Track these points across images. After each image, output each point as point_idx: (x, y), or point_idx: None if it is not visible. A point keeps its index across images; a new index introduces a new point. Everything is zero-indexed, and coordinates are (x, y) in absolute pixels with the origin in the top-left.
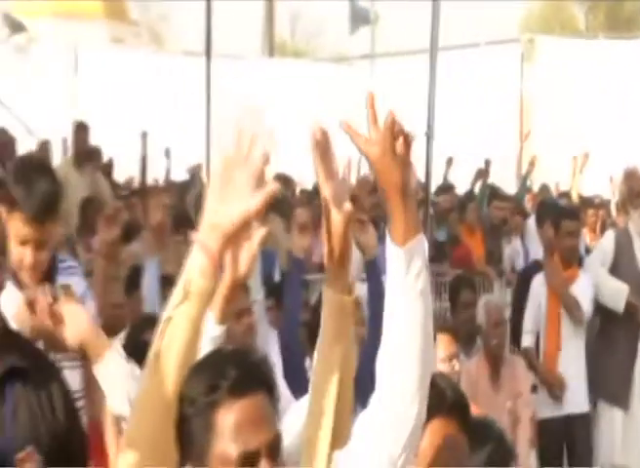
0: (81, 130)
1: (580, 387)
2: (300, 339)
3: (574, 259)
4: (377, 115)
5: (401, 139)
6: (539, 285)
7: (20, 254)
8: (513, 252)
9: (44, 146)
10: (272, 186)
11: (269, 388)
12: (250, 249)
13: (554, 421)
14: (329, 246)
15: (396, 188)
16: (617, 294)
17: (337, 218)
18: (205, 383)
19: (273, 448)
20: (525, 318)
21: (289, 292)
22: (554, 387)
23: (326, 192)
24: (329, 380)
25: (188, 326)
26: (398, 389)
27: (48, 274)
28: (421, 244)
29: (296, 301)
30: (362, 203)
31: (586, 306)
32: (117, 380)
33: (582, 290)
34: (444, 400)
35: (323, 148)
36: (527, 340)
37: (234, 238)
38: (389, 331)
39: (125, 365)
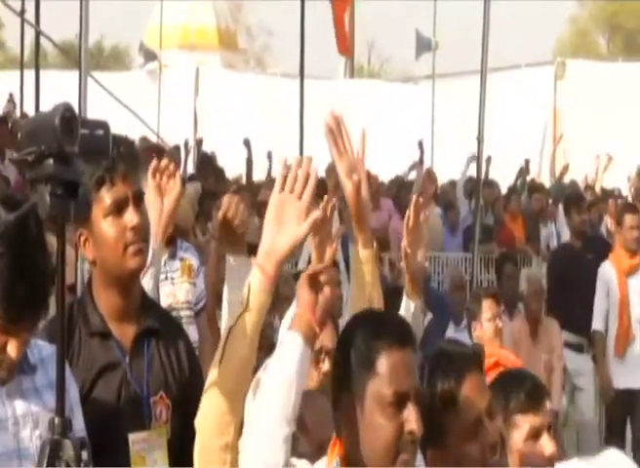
0: (200, 143)
1: None
2: None
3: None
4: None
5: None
6: (606, 270)
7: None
8: (548, 234)
9: (175, 151)
10: (315, 215)
11: (414, 347)
12: (331, 250)
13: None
14: (350, 210)
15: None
16: None
17: (348, 186)
18: (370, 330)
19: (418, 395)
20: (595, 302)
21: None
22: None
23: (338, 165)
24: None
25: (249, 332)
26: None
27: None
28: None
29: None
30: (429, 192)
31: None
32: None
33: None
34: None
35: (336, 132)
36: (597, 323)
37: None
38: None
39: None
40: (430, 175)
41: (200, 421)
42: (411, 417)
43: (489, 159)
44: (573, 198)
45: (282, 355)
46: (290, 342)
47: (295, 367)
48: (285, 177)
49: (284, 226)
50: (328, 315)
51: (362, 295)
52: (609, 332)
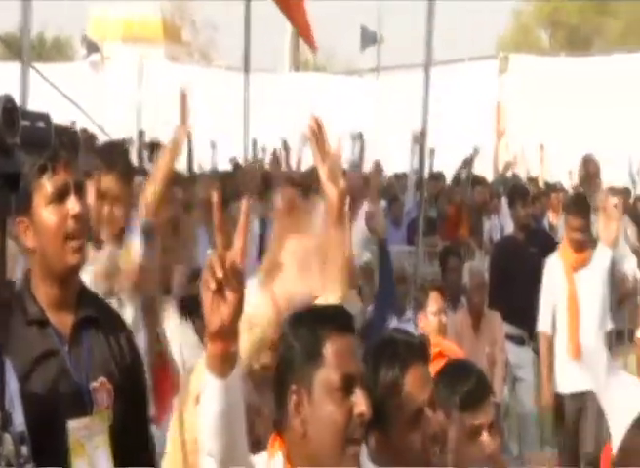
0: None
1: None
2: None
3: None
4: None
5: None
6: (553, 264)
7: (105, 211)
8: (491, 227)
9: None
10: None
11: (355, 333)
12: None
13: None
14: (328, 215)
15: None
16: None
17: (331, 192)
18: (313, 320)
19: (363, 380)
20: (541, 298)
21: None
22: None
23: (322, 172)
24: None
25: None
26: None
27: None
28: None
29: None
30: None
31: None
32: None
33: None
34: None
35: (318, 136)
36: (543, 323)
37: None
38: None
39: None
40: (376, 168)
41: None
42: (359, 400)
43: (432, 151)
44: (518, 191)
45: (205, 402)
46: (208, 387)
47: (216, 421)
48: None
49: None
50: (236, 327)
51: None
52: (558, 331)
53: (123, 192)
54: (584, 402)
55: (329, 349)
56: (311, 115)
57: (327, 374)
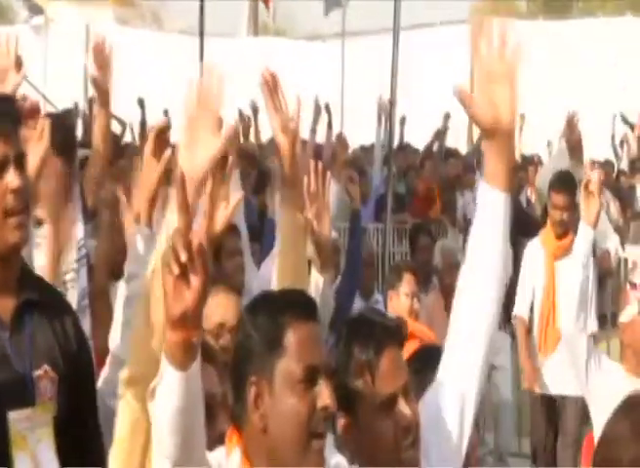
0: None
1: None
2: None
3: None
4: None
5: None
6: (534, 250)
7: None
8: (465, 203)
9: (69, 114)
10: (229, 127)
11: (318, 320)
12: (225, 212)
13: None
14: (281, 170)
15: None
16: None
17: (283, 141)
18: (273, 307)
19: (329, 369)
20: (519, 282)
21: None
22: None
23: (273, 121)
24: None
25: None
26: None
27: None
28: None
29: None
30: (341, 159)
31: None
32: None
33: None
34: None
35: (271, 86)
36: (520, 307)
37: (212, 196)
38: (481, 270)
39: None
40: (341, 141)
41: None
42: (323, 392)
43: (403, 120)
44: None
45: (162, 396)
46: (166, 379)
47: (175, 417)
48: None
49: (198, 144)
50: (200, 314)
51: (288, 265)
52: (534, 322)
53: (61, 167)
54: (555, 406)
55: (290, 338)
56: (265, 68)
57: (288, 365)
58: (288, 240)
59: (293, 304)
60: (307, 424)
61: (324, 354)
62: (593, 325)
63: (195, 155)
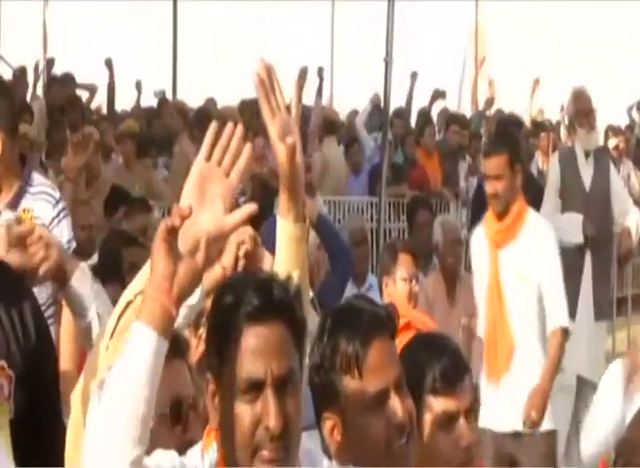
0: (51, 64)
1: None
2: None
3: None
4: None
5: None
6: (477, 239)
7: None
8: (468, 173)
9: (21, 72)
10: (249, 209)
11: (291, 319)
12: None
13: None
14: (281, 179)
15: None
16: (573, 227)
17: (281, 150)
18: (231, 301)
19: (281, 380)
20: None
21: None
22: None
23: (271, 127)
24: None
25: None
26: None
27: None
28: None
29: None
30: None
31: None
32: (84, 299)
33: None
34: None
35: (268, 85)
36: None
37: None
38: None
39: (92, 284)
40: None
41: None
42: (269, 409)
43: (414, 75)
44: (511, 122)
45: (130, 356)
46: (139, 340)
47: (145, 374)
48: (213, 144)
49: (206, 203)
50: (191, 289)
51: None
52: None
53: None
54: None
55: (240, 341)
56: (260, 60)
57: (231, 371)
58: (287, 250)
59: (246, 302)
60: (250, 441)
61: (279, 360)
62: (563, 319)
63: (199, 211)
